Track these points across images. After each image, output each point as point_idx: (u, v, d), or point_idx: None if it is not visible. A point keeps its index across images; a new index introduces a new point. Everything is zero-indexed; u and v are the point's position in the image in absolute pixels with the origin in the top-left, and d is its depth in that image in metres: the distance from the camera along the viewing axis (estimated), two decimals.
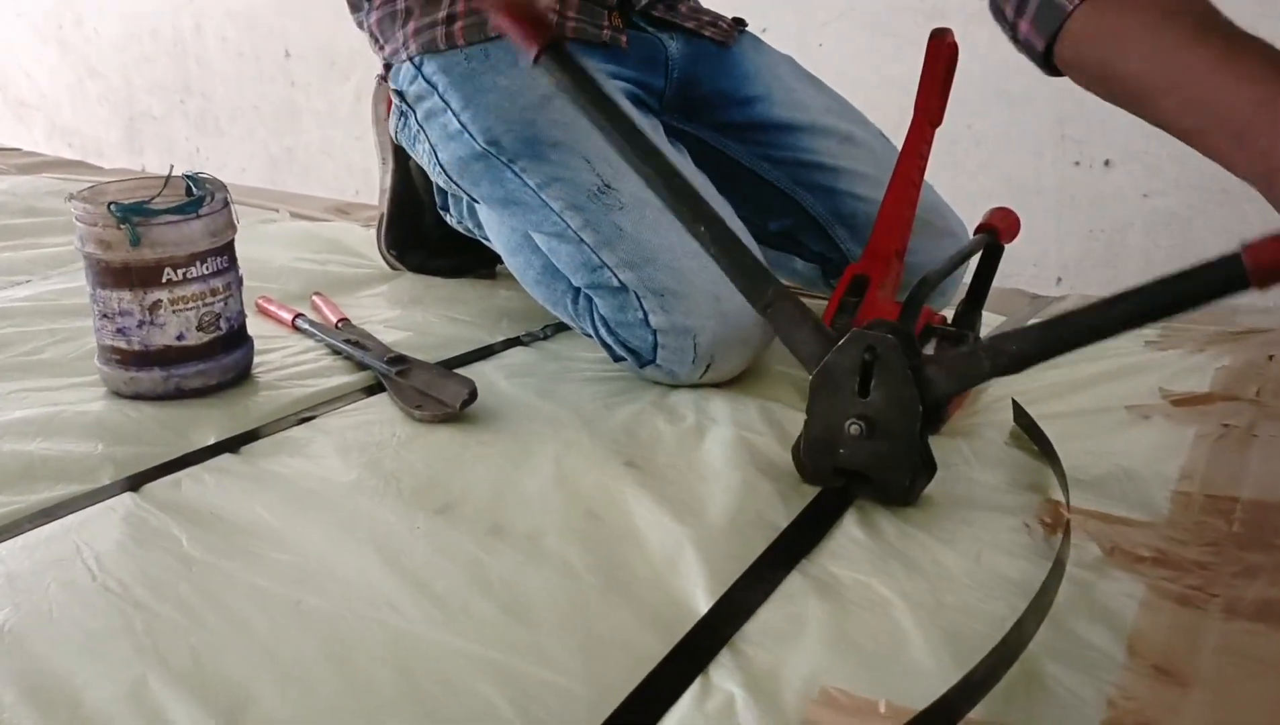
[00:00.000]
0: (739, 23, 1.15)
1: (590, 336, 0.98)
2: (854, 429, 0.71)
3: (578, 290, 0.97)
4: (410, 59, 1.03)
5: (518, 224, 0.99)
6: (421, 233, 1.28)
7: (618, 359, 0.96)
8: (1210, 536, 0.67)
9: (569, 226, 0.94)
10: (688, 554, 0.67)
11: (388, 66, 1.08)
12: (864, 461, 0.72)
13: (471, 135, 0.98)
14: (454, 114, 0.99)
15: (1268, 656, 0.56)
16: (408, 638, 0.59)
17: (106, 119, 3.11)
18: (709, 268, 0.90)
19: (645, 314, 0.91)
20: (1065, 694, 0.53)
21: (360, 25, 1.11)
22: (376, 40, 1.08)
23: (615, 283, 0.93)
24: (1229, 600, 0.60)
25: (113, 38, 3.02)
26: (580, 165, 0.94)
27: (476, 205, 1.06)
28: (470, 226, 1.13)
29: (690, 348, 0.91)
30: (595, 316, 0.96)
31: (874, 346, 0.70)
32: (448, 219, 1.16)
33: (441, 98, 1.00)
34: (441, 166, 1.03)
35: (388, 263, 1.32)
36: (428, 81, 1.02)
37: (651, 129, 1.00)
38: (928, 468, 0.73)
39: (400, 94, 1.06)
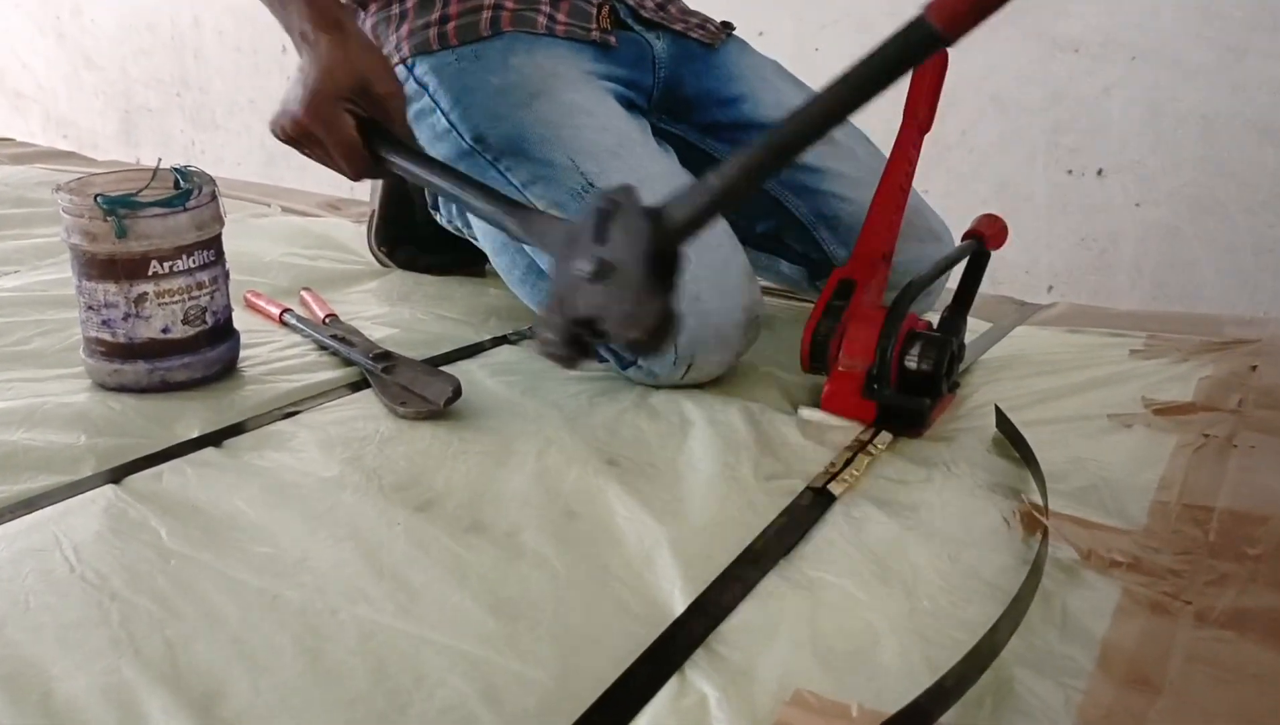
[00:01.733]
0: (727, 26, 1.15)
1: None
2: (584, 269, 0.65)
3: None
4: (403, 61, 1.03)
5: None
6: (412, 230, 1.28)
7: (601, 360, 0.96)
8: (1185, 545, 0.67)
9: None
10: (665, 553, 0.67)
11: None
12: (597, 304, 0.65)
13: (459, 133, 0.98)
14: (443, 113, 1.00)
15: (1237, 664, 0.56)
16: (383, 631, 0.59)
17: (103, 111, 3.11)
18: (689, 268, 0.90)
19: None
20: (1034, 700, 0.54)
21: None
22: None
23: None
24: (1201, 608, 0.61)
25: (110, 30, 3.01)
26: (565, 164, 0.94)
27: None
28: (460, 226, 1.13)
29: (670, 348, 0.91)
30: None
31: (613, 198, 0.64)
32: (438, 218, 1.16)
33: (431, 98, 1.01)
34: None
35: (377, 259, 1.32)
36: (419, 82, 1.02)
37: (640, 130, 1.00)
38: (668, 312, 0.63)
39: None
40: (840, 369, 0.88)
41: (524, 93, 0.97)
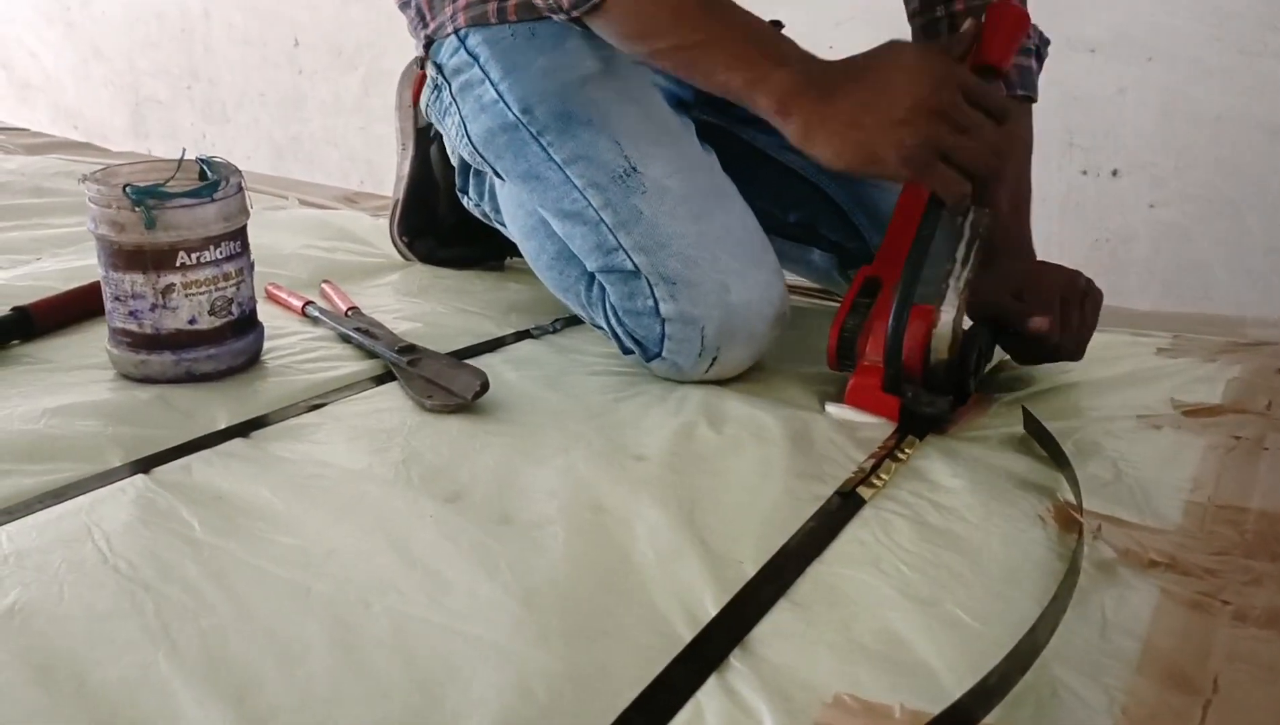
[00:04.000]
0: (775, 25, 1.14)
1: (601, 328, 0.99)
2: None
3: (591, 277, 0.98)
4: (455, 31, 1.03)
5: (537, 202, 0.99)
6: (434, 221, 1.28)
7: (626, 351, 0.96)
8: (1220, 545, 0.67)
9: (589, 205, 0.94)
10: (696, 551, 0.67)
11: (428, 44, 1.08)
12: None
13: (506, 104, 0.98)
14: (492, 84, 1.00)
15: (1277, 664, 0.56)
16: (414, 623, 0.59)
17: (111, 102, 3.10)
18: (720, 259, 0.91)
19: (655, 302, 0.92)
20: (1077, 701, 0.53)
21: (405, 5, 1.11)
22: (422, 17, 1.08)
23: (629, 266, 0.93)
24: (1239, 608, 0.60)
25: (119, 20, 3.01)
26: (608, 146, 0.94)
27: (498, 185, 1.06)
28: (487, 210, 1.13)
29: (697, 339, 0.91)
30: (606, 305, 0.96)
31: None
32: (465, 202, 1.16)
33: (482, 69, 1.01)
34: (469, 137, 1.03)
35: (398, 250, 1.32)
36: (470, 53, 1.02)
37: (683, 125, 1.00)
38: None
39: (439, 66, 1.06)
40: (865, 364, 0.88)
41: (575, 73, 0.97)
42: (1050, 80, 1.74)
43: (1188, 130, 1.66)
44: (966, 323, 0.90)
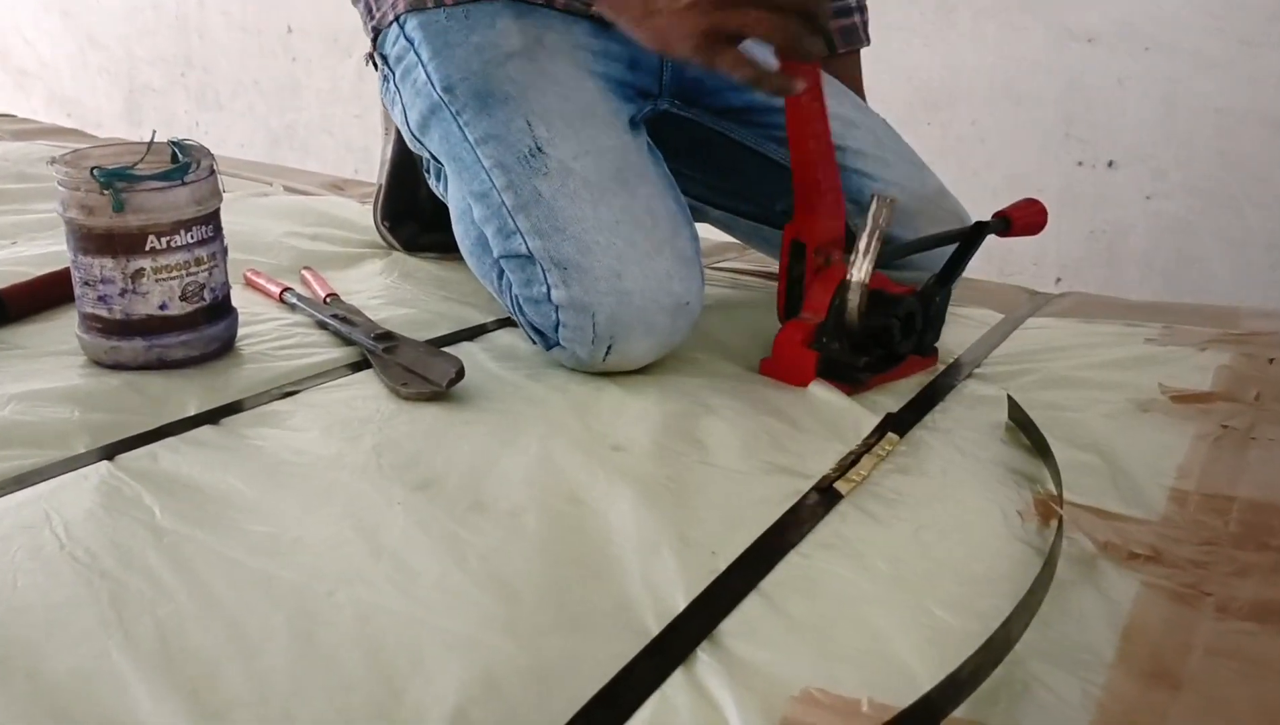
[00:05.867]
0: None
1: (514, 315, 0.97)
2: None
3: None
4: (396, 19, 1.03)
5: (458, 184, 0.98)
6: (416, 206, 1.27)
7: (534, 342, 0.95)
8: (1205, 535, 0.66)
9: (494, 186, 0.92)
10: (670, 544, 0.65)
11: (375, 35, 1.07)
12: None
13: (432, 85, 0.97)
14: (422, 65, 0.99)
15: (1260, 658, 0.54)
16: (380, 613, 0.58)
17: (106, 90, 3.09)
18: (615, 245, 0.88)
19: (549, 288, 0.89)
20: (1051, 695, 0.52)
21: (356, 1, 1.10)
22: (370, 10, 1.07)
23: (524, 251, 0.90)
24: (1222, 599, 0.59)
25: (115, 8, 3.00)
26: (520, 125, 0.92)
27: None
28: (441, 193, 1.12)
29: (589, 326, 0.88)
30: (512, 293, 0.94)
31: None
32: (431, 186, 1.15)
33: (416, 52, 1.00)
34: (409, 124, 1.03)
35: (381, 236, 1.30)
36: (407, 39, 1.01)
37: (610, 112, 0.97)
38: None
39: (385, 57, 1.06)
40: (797, 320, 0.91)
41: (501, 50, 0.96)
42: (1048, 69, 1.73)
43: (1187, 122, 1.65)
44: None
